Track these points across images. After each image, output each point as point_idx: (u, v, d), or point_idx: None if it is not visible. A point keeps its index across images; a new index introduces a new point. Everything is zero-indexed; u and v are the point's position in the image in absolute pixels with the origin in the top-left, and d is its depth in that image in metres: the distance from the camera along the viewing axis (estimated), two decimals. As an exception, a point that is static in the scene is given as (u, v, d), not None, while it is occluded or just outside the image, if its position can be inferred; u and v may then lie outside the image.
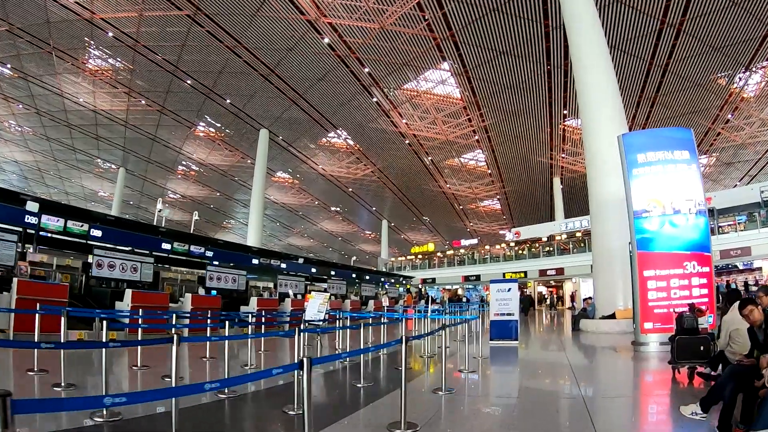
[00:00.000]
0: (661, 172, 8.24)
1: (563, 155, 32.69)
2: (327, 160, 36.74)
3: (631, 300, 10.87)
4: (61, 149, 37.96)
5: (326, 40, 21.82)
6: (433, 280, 38.73)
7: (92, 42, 23.76)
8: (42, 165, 42.60)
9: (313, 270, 20.29)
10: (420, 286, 36.60)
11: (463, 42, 21.20)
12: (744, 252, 20.42)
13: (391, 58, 22.94)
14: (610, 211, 12.69)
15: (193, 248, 12.86)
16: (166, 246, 12.18)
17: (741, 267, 22.70)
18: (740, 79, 22.90)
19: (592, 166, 13.99)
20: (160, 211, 21.36)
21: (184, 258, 13.30)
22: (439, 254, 43.37)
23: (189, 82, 26.45)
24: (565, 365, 7.35)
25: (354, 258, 55.98)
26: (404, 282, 32.71)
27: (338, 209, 48.25)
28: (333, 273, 21.90)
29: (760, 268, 21.66)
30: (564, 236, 33.59)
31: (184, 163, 39.50)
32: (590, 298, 15.18)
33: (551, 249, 32.39)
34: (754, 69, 22.09)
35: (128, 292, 9.62)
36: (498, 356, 8.72)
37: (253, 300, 12.59)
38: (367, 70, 24.05)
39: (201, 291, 11.50)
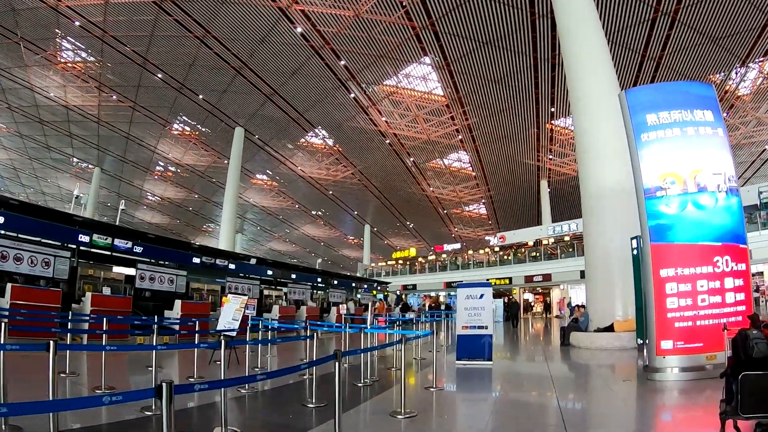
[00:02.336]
0: (679, 137, 6.19)
1: (551, 157, 31.54)
2: (306, 161, 35.54)
3: (633, 309, 9.12)
4: (35, 147, 36.60)
5: (299, 30, 20.63)
6: (414, 286, 37.07)
7: (59, 32, 22.52)
8: (17, 164, 41.27)
9: (269, 272, 18.32)
10: (399, 293, 34.97)
11: (444, 31, 19.96)
12: (743, 256, 19.07)
13: (368, 50, 21.70)
14: (607, 203, 11.14)
15: (117, 242, 10.96)
16: (84, 238, 10.33)
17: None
18: (737, 74, 21.84)
19: (583, 148, 12.19)
20: (77, 197, 19.24)
21: (108, 253, 11.49)
22: (420, 259, 41.77)
23: (160, 76, 25.32)
24: (553, 405, 5.34)
25: (319, 260, 54.62)
26: (378, 288, 30.88)
27: (320, 213, 47.02)
28: (294, 276, 20.06)
29: (761, 273, 20.40)
30: (551, 241, 32.36)
31: (160, 163, 38.32)
32: (582, 306, 13.29)
33: (538, 254, 31.00)
34: (750, 65, 21.05)
35: (8, 287, 8.11)
36: (462, 386, 6.75)
37: (177, 303, 10.91)
38: (343, 62, 22.82)
39: (106, 290, 9.79)
